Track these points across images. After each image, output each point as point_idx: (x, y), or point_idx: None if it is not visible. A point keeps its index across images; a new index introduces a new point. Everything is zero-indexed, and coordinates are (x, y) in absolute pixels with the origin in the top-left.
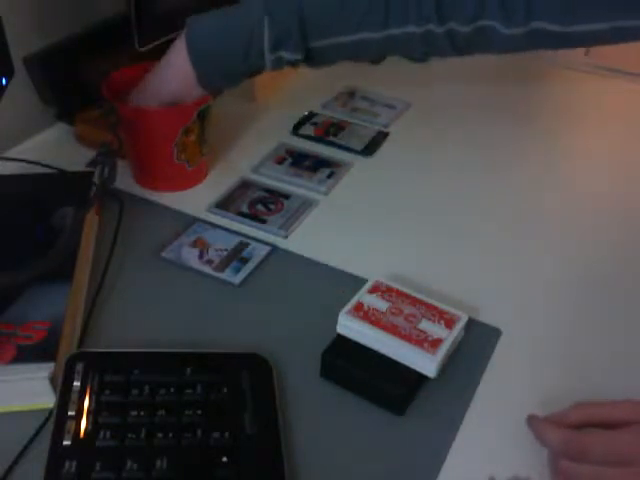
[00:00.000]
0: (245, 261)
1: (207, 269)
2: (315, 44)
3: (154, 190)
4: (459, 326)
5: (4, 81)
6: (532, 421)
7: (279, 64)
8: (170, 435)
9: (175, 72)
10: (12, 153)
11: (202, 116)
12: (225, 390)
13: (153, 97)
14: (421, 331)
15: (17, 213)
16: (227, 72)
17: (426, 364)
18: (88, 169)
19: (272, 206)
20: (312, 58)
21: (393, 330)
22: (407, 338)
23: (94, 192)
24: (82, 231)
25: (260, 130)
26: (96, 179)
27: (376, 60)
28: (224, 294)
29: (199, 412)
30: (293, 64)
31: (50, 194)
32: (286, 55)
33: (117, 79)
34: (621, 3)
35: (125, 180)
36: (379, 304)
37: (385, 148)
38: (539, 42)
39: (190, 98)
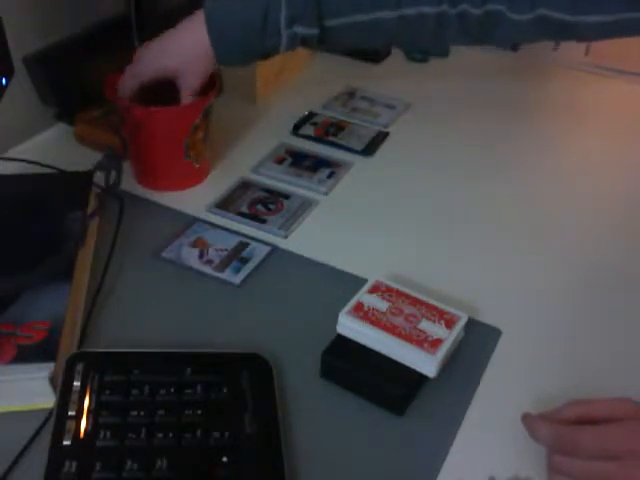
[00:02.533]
0: (245, 261)
1: (207, 269)
2: (330, 23)
3: (160, 190)
4: (459, 326)
5: (4, 81)
6: (525, 418)
7: (294, 40)
8: (170, 435)
9: (191, 43)
10: (12, 153)
11: (207, 113)
12: (225, 390)
13: (156, 60)
14: (421, 331)
15: (16, 213)
16: (244, 48)
17: (426, 364)
18: (88, 170)
19: (272, 206)
20: (326, 37)
21: (393, 330)
22: (407, 338)
23: (100, 198)
24: (85, 240)
25: (260, 130)
26: (102, 183)
27: (377, 58)
28: (224, 294)
29: (199, 412)
30: (308, 42)
31: (50, 194)
32: (301, 30)
33: (118, 79)
34: None
35: (125, 180)
36: (379, 304)
37: (385, 148)
38: (546, 30)
39: (196, 71)
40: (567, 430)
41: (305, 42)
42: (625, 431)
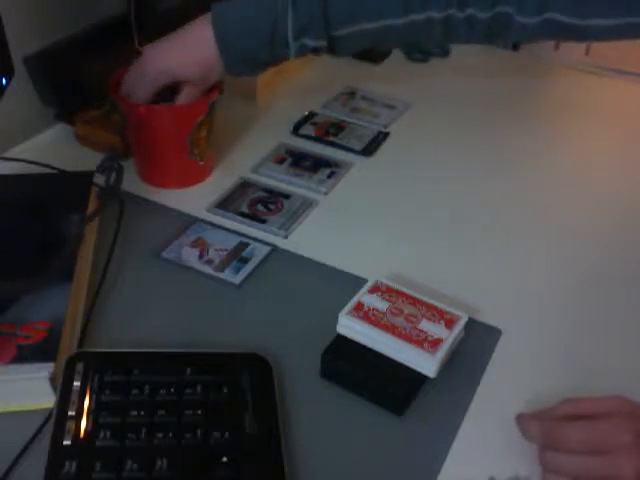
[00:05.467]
0: (245, 261)
1: (207, 269)
2: (338, 32)
3: (166, 187)
4: (459, 326)
5: (4, 81)
6: (518, 418)
7: (302, 51)
8: (170, 435)
9: (199, 53)
10: (12, 153)
11: (211, 110)
12: (225, 390)
13: (161, 61)
14: (421, 331)
15: (17, 214)
16: (253, 59)
17: (426, 364)
18: (88, 170)
19: (272, 206)
20: (335, 46)
21: (393, 330)
22: (407, 338)
23: (100, 198)
24: (82, 242)
25: (260, 130)
26: (102, 183)
27: (377, 59)
28: (224, 294)
29: (199, 412)
30: (316, 52)
31: (50, 195)
32: (309, 42)
33: (121, 77)
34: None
35: (126, 180)
36: (379, 304)
37: (385, 148)
38: (555, 33)
39: (207, 81)
40: (555, 426)
41: (315, 51)
42: (612, 425)
